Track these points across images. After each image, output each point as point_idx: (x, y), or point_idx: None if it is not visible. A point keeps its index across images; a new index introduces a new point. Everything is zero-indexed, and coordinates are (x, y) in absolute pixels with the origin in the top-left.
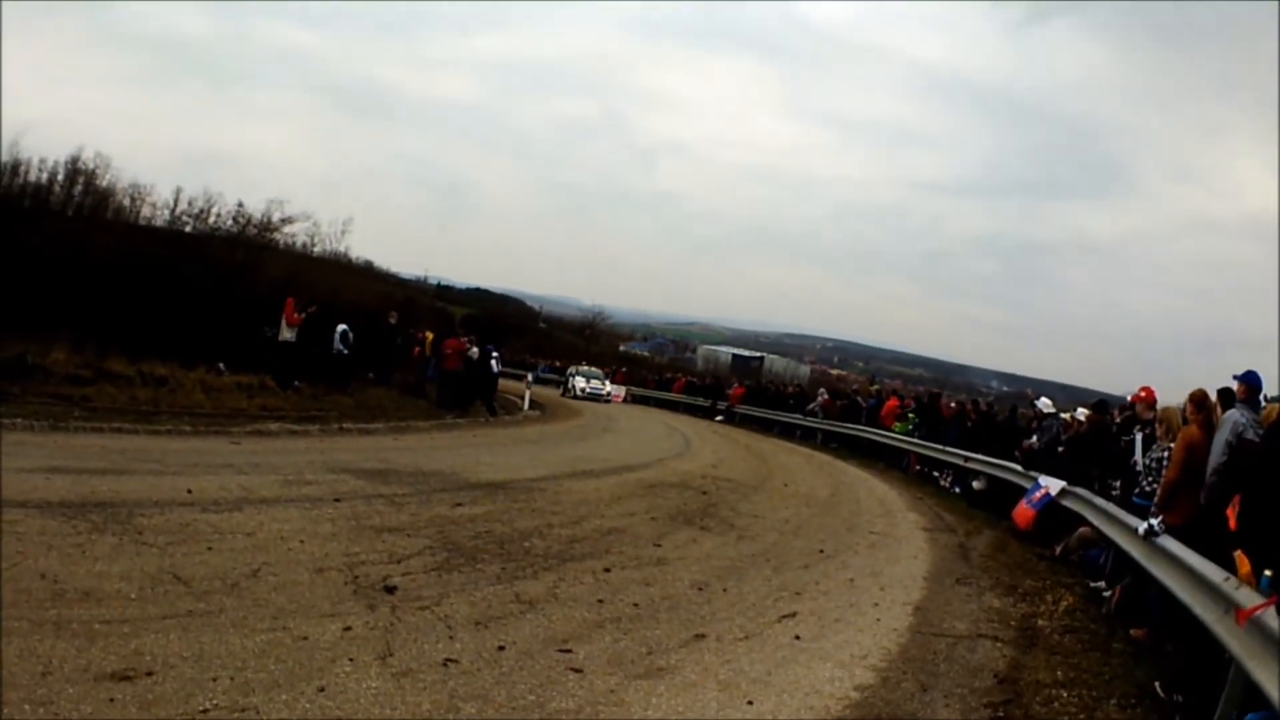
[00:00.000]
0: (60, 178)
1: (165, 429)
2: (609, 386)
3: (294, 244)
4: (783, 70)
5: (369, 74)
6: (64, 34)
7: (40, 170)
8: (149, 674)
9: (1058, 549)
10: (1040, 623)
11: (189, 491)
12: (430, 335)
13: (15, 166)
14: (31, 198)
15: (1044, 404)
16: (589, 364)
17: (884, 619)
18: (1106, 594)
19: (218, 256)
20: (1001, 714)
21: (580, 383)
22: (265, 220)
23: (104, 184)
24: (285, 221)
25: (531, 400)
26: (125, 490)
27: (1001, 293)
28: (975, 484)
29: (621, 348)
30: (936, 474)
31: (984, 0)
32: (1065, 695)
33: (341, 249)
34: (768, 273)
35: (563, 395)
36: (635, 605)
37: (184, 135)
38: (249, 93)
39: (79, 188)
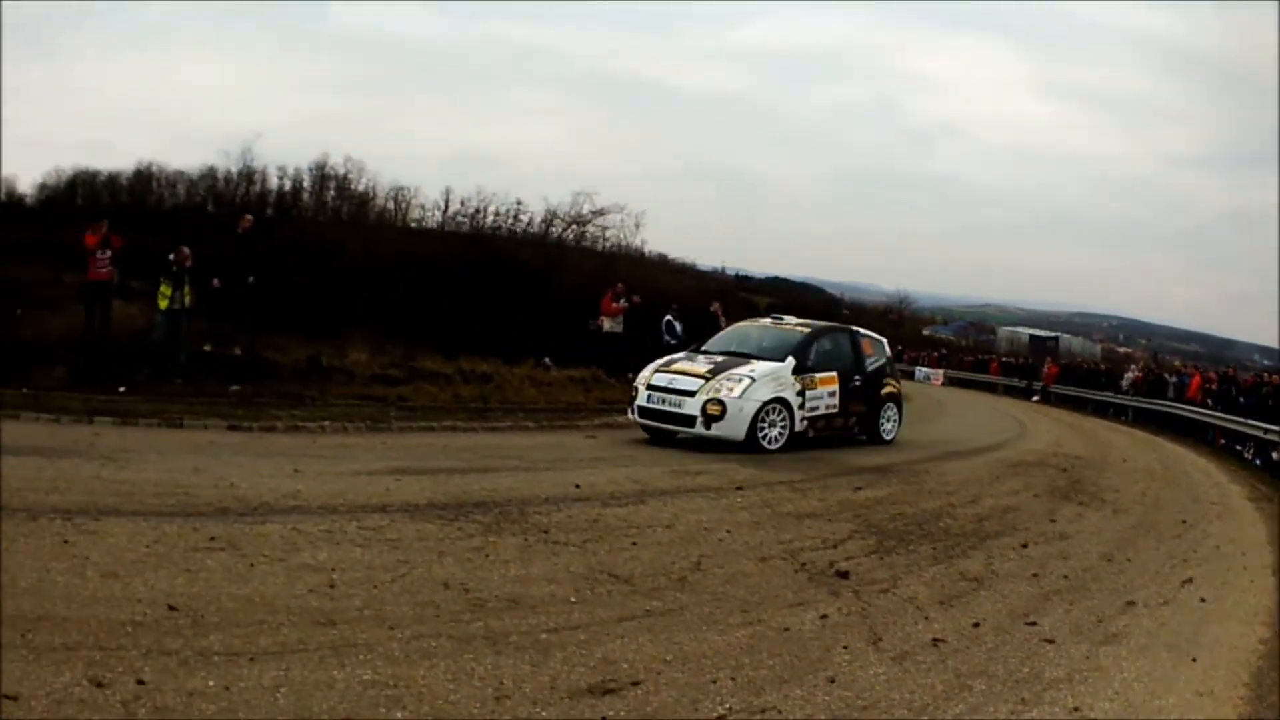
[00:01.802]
0: (306, 183)
1: (505, 425)
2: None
3: (592, 241)
4: (1031, 47)
5: (627, 69)
6: (288, 43)
7: (280, 177)
8: (635, 683)
9: None
10: None
11: (576, 486)
12: None
13: (250, 174)
14: (275, 205)
15: None
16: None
17: (1256, 580)
18: None
19: (521, 255)
20: None
21: (662, 378)
22: (575, 214)
23: (360, 188)
24: (597, 214)
25: None
26: (502, 488)
27: (1257, 264)
28: (1276, 455)
29: (925, 331)
30: (1239, 447)
31: None
32: None
33: (637, 243)
34: (1048, 252)
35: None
36: (1065, 577)
37: (438, 138)
38: (501, 94)
39: (330, 193)
